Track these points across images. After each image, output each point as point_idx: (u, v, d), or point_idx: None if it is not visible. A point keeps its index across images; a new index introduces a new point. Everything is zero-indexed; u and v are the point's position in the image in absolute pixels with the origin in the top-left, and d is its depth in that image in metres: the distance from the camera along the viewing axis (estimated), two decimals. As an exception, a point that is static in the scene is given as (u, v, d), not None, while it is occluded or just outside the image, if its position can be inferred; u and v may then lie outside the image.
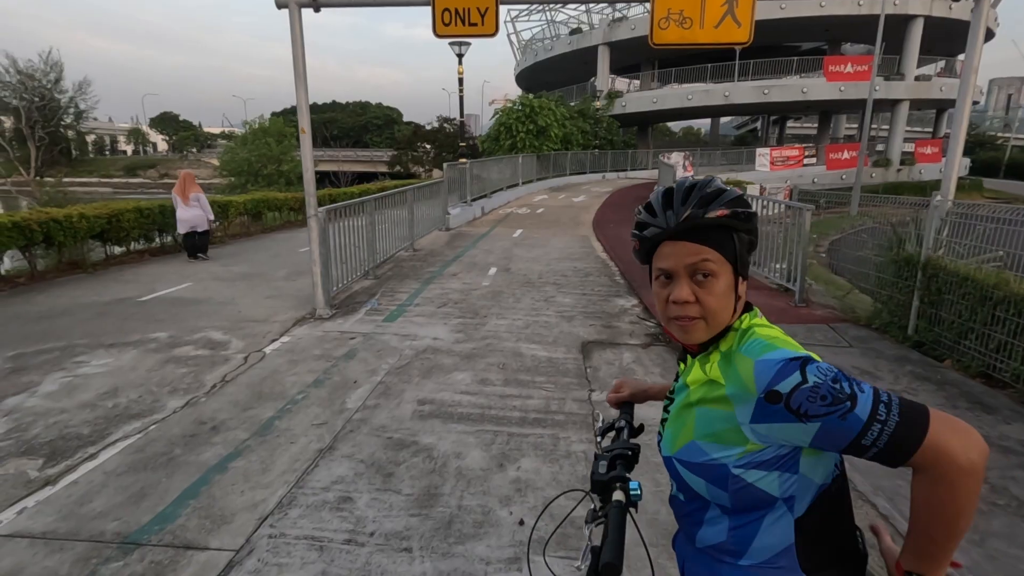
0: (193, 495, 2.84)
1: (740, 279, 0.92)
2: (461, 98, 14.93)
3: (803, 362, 0.81)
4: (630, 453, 1.08)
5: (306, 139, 5.58)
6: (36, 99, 44.86)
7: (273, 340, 5.26)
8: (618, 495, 0.97)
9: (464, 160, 14.21)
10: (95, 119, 63.48)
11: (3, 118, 42.34)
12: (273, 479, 2.98)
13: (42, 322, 5.75)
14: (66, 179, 32.14)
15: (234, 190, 27.36)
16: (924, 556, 0.81)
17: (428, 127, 36.44)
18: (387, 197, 8.74)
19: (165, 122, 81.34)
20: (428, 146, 34.87)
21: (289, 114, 60.78)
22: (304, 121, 5.51)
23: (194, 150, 66.56)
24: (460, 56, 14.22)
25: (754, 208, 0.91)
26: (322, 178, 26.40)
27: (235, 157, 31.26)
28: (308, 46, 5.57)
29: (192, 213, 9.10)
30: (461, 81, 14.59)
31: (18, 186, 29.19)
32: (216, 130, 78.91)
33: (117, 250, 9.40)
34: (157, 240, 10.14)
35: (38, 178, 34.59)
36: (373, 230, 7.84)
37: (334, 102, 74.64)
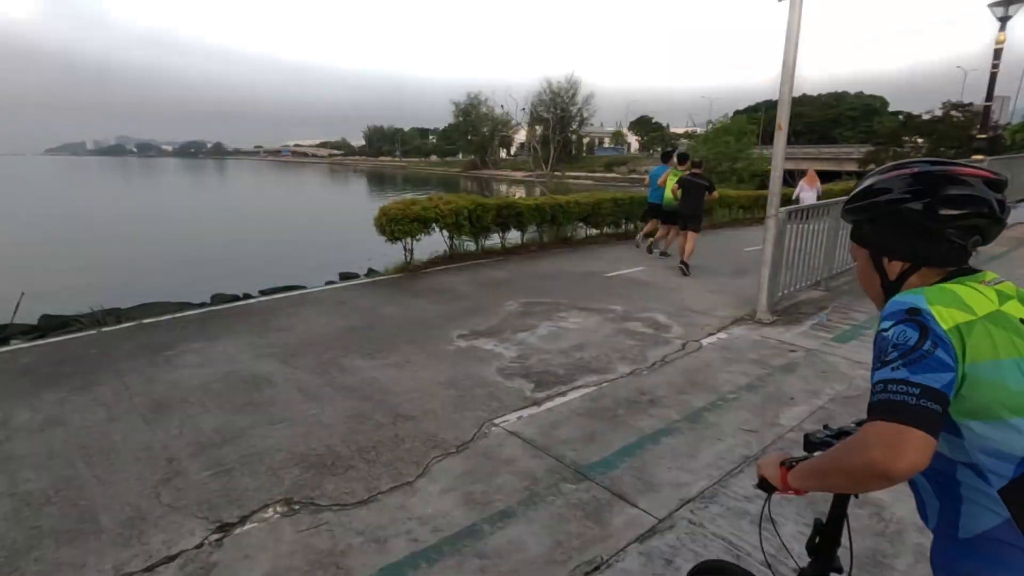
0: (629, 454, 3.21)
1: (885, 259, 1.10)
2: (993, 76, 11.35)
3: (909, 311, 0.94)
4: None
5: (781, 136, 5.34)
6: (558, 111, 58.77)
7: (710, 334, 5.37)
8: None
9: (980, 157, 10.88)
10: (591, 124, 78.47)
11: (538, 127, 57.01)
12: (698, 467, 3.07)
13: (543, 280, 7.57)
14: (566, 173, 41.10)
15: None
16: (802, 473, 1.09)
17: (925, 116, 29.52)
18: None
19: (640, 125, 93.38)
20: (919, 140, 28.36)
21: (751, 111, 59.78)
22: (783, 117, 5.27)
23: (659, 148, 73.99)
24: (1004, 20, 10.75)
25: (861, 193, 1.14)
26: (776, 176, 25.04)
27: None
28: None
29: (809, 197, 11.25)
30: (998, 53, 11.06)
31: (538, 177, 39.16)
32: (680, 130, 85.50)
33: (593, 232, 11.45)
34: (623, 227, 11.83)
35: (551, 172, 45.41)
36: (835, 236, 6.95)
37: (803, 95, 69.38)
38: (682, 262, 8.00)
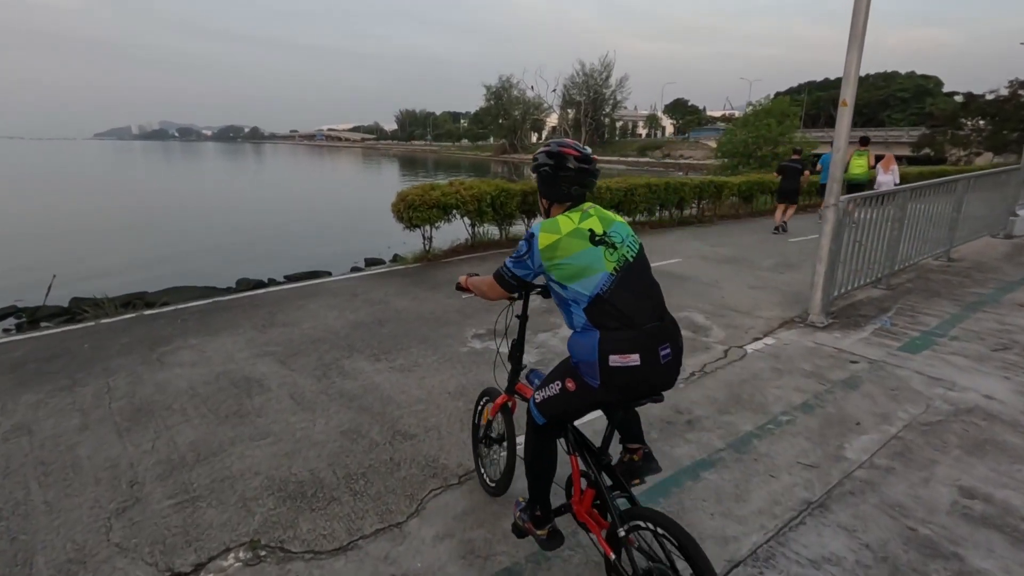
0: (663, 493, 2.68)
1: (543, 199, 2.04)
2: (1081, 47, 10.08)
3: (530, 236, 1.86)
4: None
5: (846, 114, 4.64)
6: (591, 94, 57.30)
7: (756, 339, 4.76)
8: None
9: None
10: (625, 108, 76.52)
11: (570, 110, 55.82)
12: (748, 514, 2.52)
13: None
14: (598, 157, 40.08)
15: (725, 171, 27.83)
16: (471, 283, 2.26)
17: (988, 96, 27.43)
18: (926, 188, 6.73)
19: (676, 108, 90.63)
20: (981, 122, 26.41)
21: (794, 93, 57.17)
22: (849, 92, 4.56)
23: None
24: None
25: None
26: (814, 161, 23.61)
27: (732, 139, 31.66)
28: (832, 15, 4.50)
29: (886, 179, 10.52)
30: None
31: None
32: (718, 113, 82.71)
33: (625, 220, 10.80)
34: (657, 214, 11.12)
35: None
36: (900, 227, 6.17)
37: (851, 75, 66.18)
38: (779, 226, 10.45)
